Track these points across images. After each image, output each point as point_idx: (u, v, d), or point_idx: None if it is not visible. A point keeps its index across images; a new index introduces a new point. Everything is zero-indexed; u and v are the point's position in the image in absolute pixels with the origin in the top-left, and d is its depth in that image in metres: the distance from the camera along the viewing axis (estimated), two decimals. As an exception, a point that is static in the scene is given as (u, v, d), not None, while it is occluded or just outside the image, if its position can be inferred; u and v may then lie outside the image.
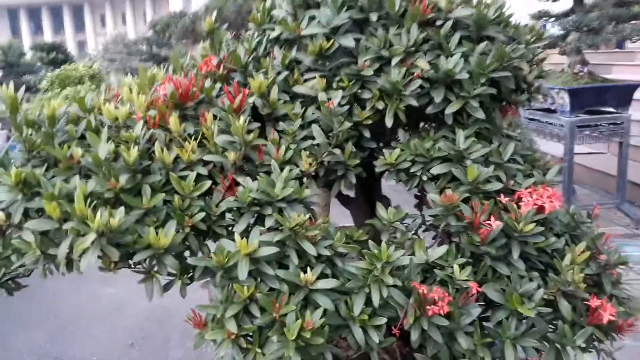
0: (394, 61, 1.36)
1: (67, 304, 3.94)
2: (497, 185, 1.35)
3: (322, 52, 1.41)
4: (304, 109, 1.43)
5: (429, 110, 1.43)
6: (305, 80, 1.47)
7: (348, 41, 1.38)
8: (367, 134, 1.45)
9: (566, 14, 7.57)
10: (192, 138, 1.30)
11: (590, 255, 1.40)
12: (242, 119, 1.27)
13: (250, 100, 1.36)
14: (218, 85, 1.44)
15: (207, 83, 1.44)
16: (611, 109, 5.25)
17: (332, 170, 1.45)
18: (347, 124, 1.36)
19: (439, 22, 1.44)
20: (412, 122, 1.56)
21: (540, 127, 5.66)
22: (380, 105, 1.41)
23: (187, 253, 1.26)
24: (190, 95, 1.36)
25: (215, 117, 1.36)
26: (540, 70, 1.80)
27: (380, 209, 1.42)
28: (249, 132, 1.29)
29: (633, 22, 6.97)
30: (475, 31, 1.47)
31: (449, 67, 1.36)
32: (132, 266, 1.25)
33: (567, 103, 5.38)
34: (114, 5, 43.08)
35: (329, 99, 1.39)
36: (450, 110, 1.38)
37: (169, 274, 1.26)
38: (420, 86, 1.38)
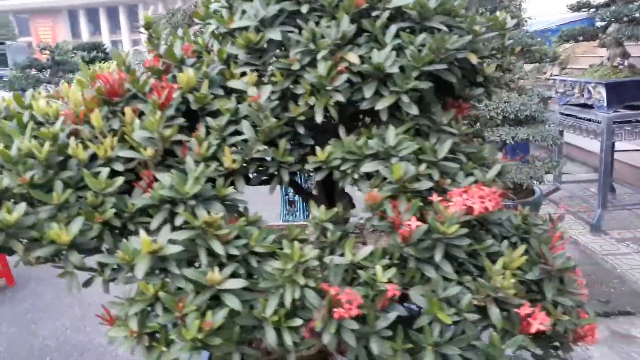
0: (320, 55, 1.31)
1: (90, 294, 4.11)
2: (426, 184, 1.28)
3: (253, 46, 1.38)
4: (237, 104, 1.40)
5: (363, 106, 1.37)
6: (243, 75, 1.44)
7: (275, 34, 1.34)
8: (301, 130, 1.41)
9: (607, 4, 7.15)
10: (115, 134, 1.30)
11: (533, 260, 1.31)
12: (158, 114, 1.26)
13: (175, 95, 1.34)
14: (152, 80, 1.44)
15: (142, 78, 1.44)
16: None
17: (265, 167, 1.42)
18: (273, 120, 1.33)
19: (376, 13, 1.37)
20: (355, 118, 1.50)
21: (577, 123, 5.39)
22: (311, 101, 1.36)
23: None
24: (121, 91, 1.36)
25: (142, 113, 1.35)
26: (509, 63, 1.70)
27: (313, 208, 1.37)
28: (167, 127, 1.27)
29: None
30: (418, 22, 1.40)
31: (379, 61, 1.29)
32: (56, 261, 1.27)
33: (604, 98, 5.09)
34: (166, 4, 44.43)
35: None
36: (380, 106, 1.32)
37: (92, 269, 1.27)
38: (349, 81, 1.32)
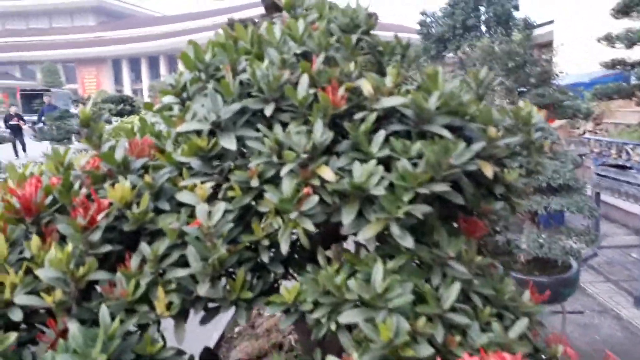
0: (284, 170, 1.01)
1: None
2: (425, 350, 0.94)
3: (204, 154, 1.09)
4: (187, 222, 1.11)
5: (344, 231, 1.05)
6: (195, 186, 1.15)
7: (230, 143, 1.06)
8: (266, 257, 1.10)
9: (644, 62, 6.78)
10: (22, 267, 1.02)
11: None
12: (67, 247, 0.97)
13: (101, 216, 1.06)
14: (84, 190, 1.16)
15: (77, 186, 1.17)
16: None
17: (217, 305, 1.11)
18: (222, 252, 1.02)
19: (361, 115, 1.08)
20: (331, 241, 1.19)
21: (615, 185, 4.96)
22: (275, 223, 1.06)
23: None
24: (35, 209, 1.09)
25: (63, 237, 1.07)
26: (536, 164, 1.37)
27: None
28: (78, 265, 0.98)
29: None
30: (415, 124, 1.10)
31: (360, 181, 0.98)
32: None
33: (645, 160, 4.67)
34: (168, 60, 46.06)
35: (209, 213, 1.06)
36: (363, 236, 1.00)
37: None
38: (323, 200, 1.02)
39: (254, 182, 1.04)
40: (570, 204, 3.89)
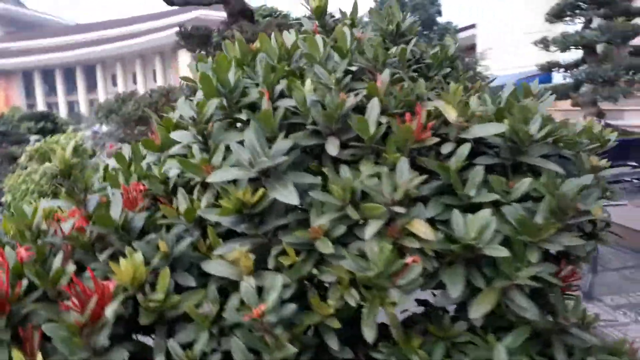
0: (370, 229, 0.75)
1: None
2: None
3: (248, 210, 0.81)
4: (220, 306, 0.82)
5: (444, 303, 0.81)
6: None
7: (286, 194, 0.78)
8: (334, 342, 0.83)
9: (576, 64, 7.07)
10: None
11: None
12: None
13: (111, 308, 0.75)
14: (72, 267, 0.84)
15: (57, 261, 0.84)
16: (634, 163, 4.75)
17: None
18: (290, 350, 0.74)
19: (447, 148, 0.84)
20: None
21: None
22: (351, 299, 0.79)
23: None
24: (6, 302, 0.76)
25: (48, 339, 0.75)
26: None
27: None
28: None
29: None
30: (509, 155, 0.87)
31: (469, 237, 0.74)
32: None
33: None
34: (124, 64, 43.83)
35: (259, 292, 0.78)
36: (477, 313, 0.76)
37: None
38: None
39: (324, 247, 0.77)
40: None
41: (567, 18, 6.59)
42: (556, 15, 6.55)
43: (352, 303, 0.79)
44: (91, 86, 46.36)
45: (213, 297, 0.85)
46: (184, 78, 1.05)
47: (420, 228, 0.76)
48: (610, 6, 6.39)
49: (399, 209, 0.75)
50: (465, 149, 0.83)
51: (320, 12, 1.07)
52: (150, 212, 0.97)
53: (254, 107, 0.93)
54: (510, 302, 0.78)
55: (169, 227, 0.92)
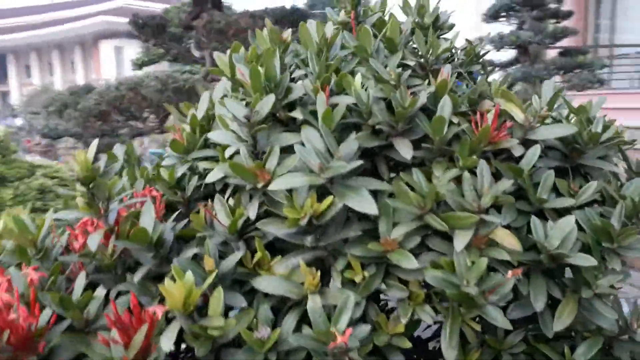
0: (461, 241, 0.69)
1: None
2: None
3: (310, 221, 0.72)
4: (277, 333, 0.73)
5: (512, 316, 0.76)
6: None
7: (359, 203, 0.70)
8: (400, 362, 0.76)
9: (510, 64, 7.42)
10: None
11: None
12: None
13: (167, 338, 0.64)
14: (101, 292, 0.71)
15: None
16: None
17: None
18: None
19: (519, 151, 0.79)
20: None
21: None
22: (426, 316, 0.73)
23: None
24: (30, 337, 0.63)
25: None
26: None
27: None
28: None
29: (577, 70, 6.89)
30: (569, 158, 0.84)
31: (553, 244, 0.70)
32: None
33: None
34: (40, 54, 40.76)
35: (328, 317, 0.69)
36: (561, 325, 0.72)
37: None
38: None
39: (405, 260, 0.69)
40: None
41: (503, 19, 6.88)
42: (493, 16, 6.83)
43: (429, 321, 0.73)
44: (1, 77, 42.72)
45: (265, 318, 0.75)
46: (213, 70, 0.93)
47: (505, 237, 0.71)
48: (542, 8, 6.75)
49: (487, 217, 0.69)
50: (536, 151, 0.79)
51: (355, 3, 0.99)
52: (175, 223, 0.85)
53: (293, 105, 0.84)
54: (587, 311, 0.75)
55: (201, 239, 0.82)
